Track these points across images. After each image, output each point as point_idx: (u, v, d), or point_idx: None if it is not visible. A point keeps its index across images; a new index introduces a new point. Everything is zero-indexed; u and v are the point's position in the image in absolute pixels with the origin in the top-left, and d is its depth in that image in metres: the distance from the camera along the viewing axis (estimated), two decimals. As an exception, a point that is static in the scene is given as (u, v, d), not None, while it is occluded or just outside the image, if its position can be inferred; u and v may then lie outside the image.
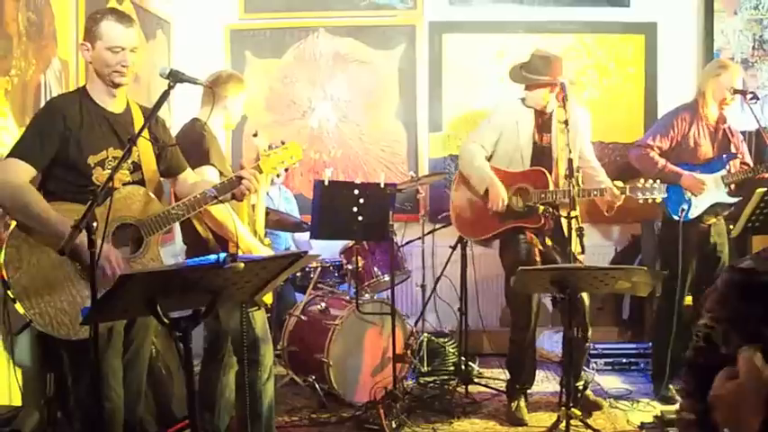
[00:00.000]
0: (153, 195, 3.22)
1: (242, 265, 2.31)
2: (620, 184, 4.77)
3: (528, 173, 4.87)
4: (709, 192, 5.04)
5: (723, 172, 5.07)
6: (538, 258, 4.84)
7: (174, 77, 2.99)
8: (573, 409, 4.24)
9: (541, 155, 4.92)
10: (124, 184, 3.17)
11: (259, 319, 3.96)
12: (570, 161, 4.45)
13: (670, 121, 5.20)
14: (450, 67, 6.61)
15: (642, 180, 4.75)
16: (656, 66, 6.54)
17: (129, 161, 3.22)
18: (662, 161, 5.09)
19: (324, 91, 6.69)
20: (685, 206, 5.03)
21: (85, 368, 3.01)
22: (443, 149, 6.65)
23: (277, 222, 5.56)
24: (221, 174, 3.83)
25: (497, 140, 4.98)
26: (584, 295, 4.81)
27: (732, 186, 5.08)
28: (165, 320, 2.45)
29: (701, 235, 5.16)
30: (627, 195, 4.74)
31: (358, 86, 6.67)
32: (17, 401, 3.74)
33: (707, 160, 5.15)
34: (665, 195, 4.75)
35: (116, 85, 3.20)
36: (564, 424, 4.17)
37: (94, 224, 2.47)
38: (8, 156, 3.04)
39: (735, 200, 5.10)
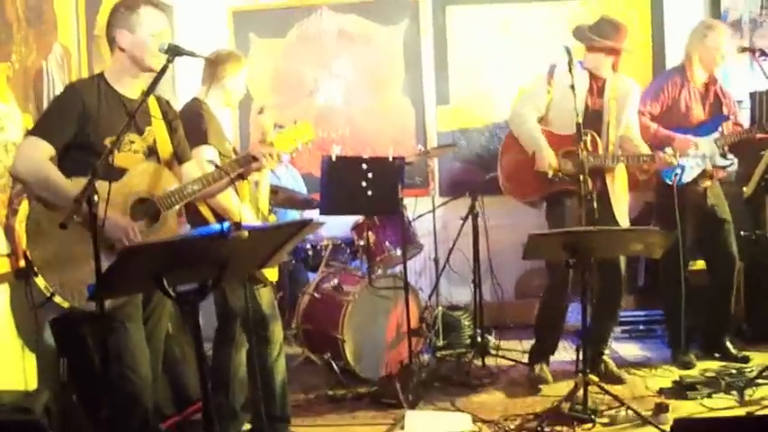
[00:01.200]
0: (170, 173, 3.24)
1: (246, 233, 2.29)
2: (670, 151, 4.71)
3: (578, 136, 4.78)
4: (702, 155, 4.99)
5: (716, 134, 5.03)
6: (582, 223, 4.78)
7: (173, 51, 2.97)
8: (590, 375, 4.21)
9: (593, 119, 4.84)
10: None
11: (265, 295, 3.95)
12: (579, 125, 4.38)
13: (660, 86, 5.15)
14: (454, 40, 6.56)
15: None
16: (663, 30, 6.46)
17: (145, 146, 3.24)
18: (653, 126, 5.05)
19: (329, 69, 6.65)
20: (678, 171, 4.96)
21: (113, 346, 3.02)
22: (452, 123, 6.60)
23: (285, 200, 5.53)
24: (220, 154, 3.81)
25: (550, 102, 4.92)
26: (621, 261, 4.78)
27: (726, 148, 5.02)
28: (172, 294, 2.43)
29: (698, 198, 5.11)
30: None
31: (363, 63, 6.63)
32: (32, 386, 3.75)
33: (699, 123, 5.10)
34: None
35: (151, 70, 3.19)
36: (582, 391, 4.16)
37: (95, 197, 2.46)
38: (28, 134, 3.10)
39: (728, 162, 5.05)
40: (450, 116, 6.61)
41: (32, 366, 3.85)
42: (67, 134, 3.06)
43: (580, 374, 4.21)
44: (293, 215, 6.25)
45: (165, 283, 2.41)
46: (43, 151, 3.00)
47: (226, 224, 2.29)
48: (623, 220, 4.88)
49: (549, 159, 4.73)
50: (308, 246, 5.81)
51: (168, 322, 4.15)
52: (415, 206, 5.99)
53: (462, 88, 6.57)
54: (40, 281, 2.93)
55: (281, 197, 5.37)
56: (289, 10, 6.62)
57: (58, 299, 2.96)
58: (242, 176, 3.38)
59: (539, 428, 4.13)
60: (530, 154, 4.85)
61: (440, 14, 6.55)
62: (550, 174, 4.73)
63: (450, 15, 6.54)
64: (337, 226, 5.95)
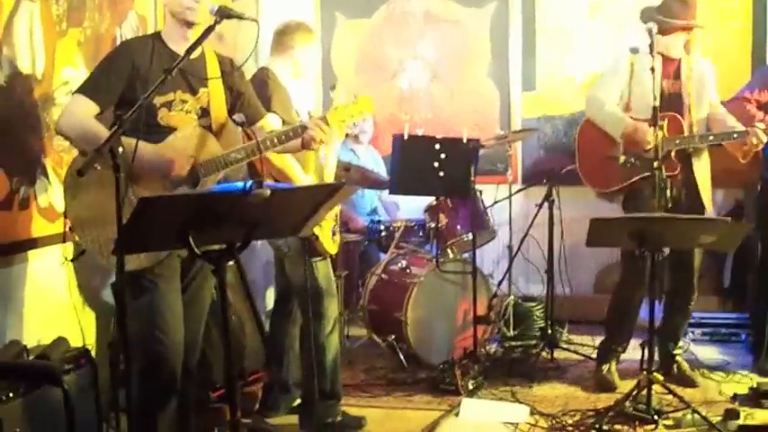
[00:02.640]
0: (215, 139, 3.20)
1: (268, 191, 2.23)
2: (762, 126, 4.41)
3: (654, 121, 4.56)
4: None
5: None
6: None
7: (221, 14, 2.93)
8: (656, 374, 4.00)
9: (672, 102, 4.57)
10: None
11: (322, 269, 3.91)
12: (655, 109, 4.15)
13: None
14: (543, 24, 6.36)
15: None
16: (766, 19, 6.09)
17: (198, 106, 3.21)
18: (760, 114, 4.72)
19: (414, 51, 6.57)
20: None
21: (138, 301, 3.02)
22: (537, 109, 6.42)
23: (359, 178, 5.47)
24: (284, 123, 3.77)
25: (624, 89, 4.71)
26: (697, 253, 4.54)
27: None
28: (198, 252, 2.40)
29: None
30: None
31: (449, 46, 6.52)
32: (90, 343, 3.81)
33: None
34: None
35: (189, 24, 3.17)
36: (645, 391, 3.96)
37: (120, 149, 2.43)
38: (75, 92, 3.11)
39: None
40: (536, 102, 6.42)
41: (92, 324, 3.92)
42: (115, 92, 3.06)
43: (644, 373, 4.01)
44: (369, 195, 6.21)
45: (192, 240, 2.38)
46: (87, 108, 3.01)
47: (248, 182, 2.24)
48: (710, 210, 4.61)
49: (651, 132, 4.35)
50: (381, 227, 5.74)
51: (213, 290, 4.17)
52: (496, 193, 5.84)
53: (549, 74, 6.38)
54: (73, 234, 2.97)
55: (353, 175, 5.31)
56: (376, -10, 6.56)
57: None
58: (305, 147, 3.30)
59: (597, 425, 3.95)
60: (618, 138, 4.62)
61: (529, -2, 6.37)
62: (622, 159, 4.51)
63: (539, -1, 6.36)
64: (412, 207, 5.89)
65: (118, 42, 4.26)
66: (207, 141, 3.16)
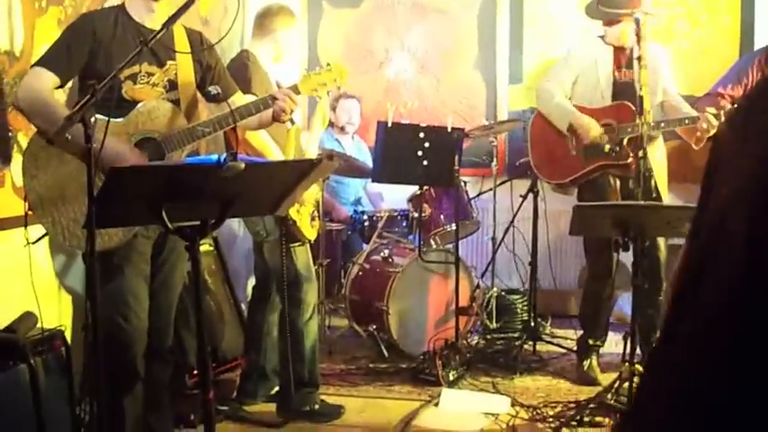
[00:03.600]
0: (180, 113, 3.10)
1: (242, 165, 2.17)
2: (713, 110, 4.38)
3: (611, 108, 4.51)
4: None
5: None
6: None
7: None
8: (637, 366, 3.96)
9: (624, 91, 4.56)
10: None
11: (301, 255, 3.86)
12: (641, 98, 4.13)
13: (744, 68, 4.77)
14: (530, 16, 6.33)
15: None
16: (754, 14, 6.06)
17: (165, 79, 3.13)
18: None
19: (401, 41, 6.52)
20: None
21: (104, 283, 2.94)
22: (524, 101, 6.38)
23: (345, 167, 5.42)
24: None
25: (575, 81, 4.69)
26: (661, 243, 4.50)
27: None
28: (170, 227, 2.34)
29: None
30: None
31: (436, 37, 6.47)
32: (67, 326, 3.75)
33: None
34: None
35: None
36: (627, 383, 3.91)
37: (92, 119, 2.36)
38: (34, 65, 3.00)
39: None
40: (523, 95, 6.38)
41: (68, 307, 3.86)
42: (76, 64, 2.97)
43: (626, 365, 3.97)
44: (354, 184, 6.16)
45: (165, 216, 2.32)
46: (45, 81, 2.91)
47: (222, 155, 2.18)
48: (666, 198, 4.59)
49: (592, 125, 4.47)
50: (365, 216, 5.70)
51: (207, 278, 4.10)
52: (481, 185, 5.82)
53: (537, 66, 6.34)
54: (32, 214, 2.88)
55: (337, 163, 5.26)
56: (363, -21, 6.51)
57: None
58: (276, 119, 3.22)
59: (578, 417, 3.91)
60: (564, 130, 4.61)
61: (517, -10, 6.33)
62: (607, 146, 4.48)
63: (527, -9, 6.31)
64: (397, 198, 5.84)
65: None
66: (173, 114, 3.06)
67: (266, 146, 3.73)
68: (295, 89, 3.23)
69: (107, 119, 2.65)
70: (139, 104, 2.99)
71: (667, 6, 6.10)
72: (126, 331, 3.02)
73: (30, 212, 2.87)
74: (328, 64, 3.45)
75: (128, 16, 3.12)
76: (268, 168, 2.36)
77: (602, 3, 4.62)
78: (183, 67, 3.16)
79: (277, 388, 4.18)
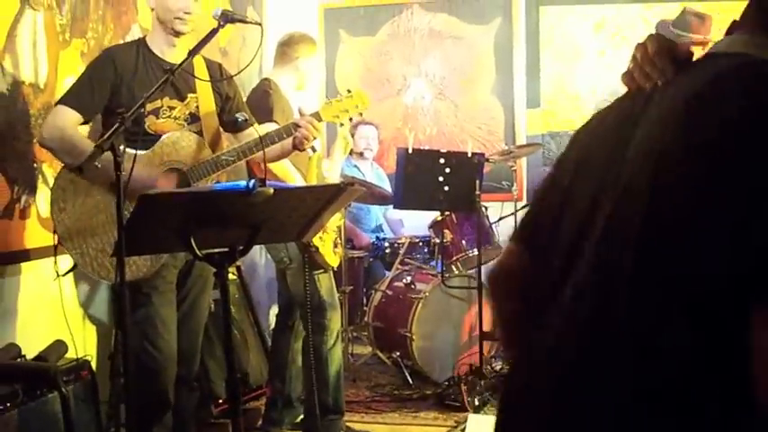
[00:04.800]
0: (205, 143, 3.13)
1: (271, 190, 2.18)
2: None
3: None
4: None
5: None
6: None
7: (225, 17, 2.91)
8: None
9: None
10: None
11: (325, 282, 3.86)
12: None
13: None
14: (547, 41, 6.34)
15: None
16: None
17: (186, 112, 3.17)
18: None
19: (418, 68, 6.55)
20: None
21: (133, 312, 2.97)
22: (542, 126, 6.38)
23: (365, 194, 5.42)
24: None
25: None
26: None
27: None
28: (199, 254, 2.35)
29: None
30: None
31: (453, 62, 6.50)
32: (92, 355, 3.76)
33: None
34: None
35: (177, 33, 3.15)
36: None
37: (121, 147, 2.39)
38: (57, 103, 3.07)
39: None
40: (540, 119, 6.39)
41: (93, 336, 3.87)
42: (99, 101, 3.03)
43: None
44: (374, 211, 6.17)
45: (193, 242, 2.33)
46: (69, 119, 2.97)
47: (251, 181, 2.19)
48: None
49: None
50: (386, 243, 5.70)
51: (233, 308, 4.09)
52: (501, 210, 5.81)
53: (554, 91, 6.35)
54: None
55: (363, 190, 5.25)
56: (379, 7, 6.56)
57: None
58: (297, 148, 3.25)
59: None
60: None
61: (533, 14, 6.35)
62: None
63: (543, 15, 6.33)
64: (417, 224, 5.84)
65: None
66: (196, 145, 3.10)
67: (288, 173, 3.74)
68: (317, 116, 3.26)
69: (135, 151, 2.68)
70: (164, 136, 3.03)
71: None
72: (156, 358, 3.04)
73: (59, 245, 2.90)
74: (349, 91, 3.48)
75: (149, 50, 3.17)
76: (296, 194, 2.37)
77: (675, 25, 4.57)
78: (204, 99, 3.20)
79: (302, 416, 4.16)
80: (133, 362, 2.93)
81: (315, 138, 3.19)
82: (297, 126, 3.16)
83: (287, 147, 3.26)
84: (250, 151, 3.06)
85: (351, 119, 3.55)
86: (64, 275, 3.00)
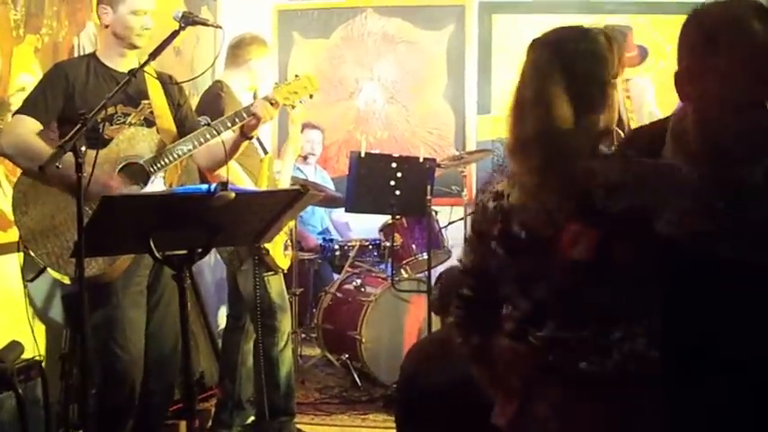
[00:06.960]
0: (159, 136, 3.18)
1: (232, 194, 2.21)
2: None
3: None
4: None
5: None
6: None
7: (186, 20, 2.92)
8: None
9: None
10: None
11: (275, 284, 3.88)
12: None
13: None
14: (499, 49, 6.42)
15: None
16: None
17: (141, 118, 3.21)
18: None
19: (371, 71, 6.58)
20: None
21: (100, 316, 2.97)
22: (492, 132, 6.46)
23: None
24: None
25: None
26: None
27: None
28: (158, 256, 2.36)
29: None
30: None
31: (406, 67, 6.54)
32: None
33: None
34: None
35: (135, 47, 3.22)
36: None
37: (83, 148, 2.40)
38: (15, 113, 3.15)
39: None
40: (491, 125, 6.46)
41: (42, 337, 3.83)
42: (54, 108, 3.08)
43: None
44: (320, 214, 6.19)
45: (153, 244, 2.33)
46: (27, 126, 3.03)
47: (213, 185, 2.21)
48: None
49: None
50: (336, 246, 5.72)
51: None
52: (450, 215, 5.86)
53: (504, 97, 6.40)
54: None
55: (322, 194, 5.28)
56: (333, 11, 6.58)
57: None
58: (245, 135, 3.27)
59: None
60: None
61: (486, 22, 6.42)
62: None
63: (495, 23, 6.41)
64: (365, 228, 5.87)
65: (76, 51, 4.23)
66: (152, 138, 3.15)
67: (239, 177, 3.74)
68: (272, 99, 3.29)
69: (95, 151, 2.70)
70: (119, 134, 3.09)
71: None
72: (123, 361, 3.05)
73: (25, 249, 2.96)
74: (296, 75, 3.52)
75: (100, 63, 3.24)
76: (257, 198, 2.40)
77: None
78: (158, 104, 3.25)
79: (253, 417, 4.16)
80: (97, 364, 2.96)
81: (271, 118, 3.23)
82: (250, 111, 3.19)
83: (237, 138, 3.29)
84: (204, 137, 3.10)
85: (301, 101, 3.57)
86: (31, 281, 3.02)
